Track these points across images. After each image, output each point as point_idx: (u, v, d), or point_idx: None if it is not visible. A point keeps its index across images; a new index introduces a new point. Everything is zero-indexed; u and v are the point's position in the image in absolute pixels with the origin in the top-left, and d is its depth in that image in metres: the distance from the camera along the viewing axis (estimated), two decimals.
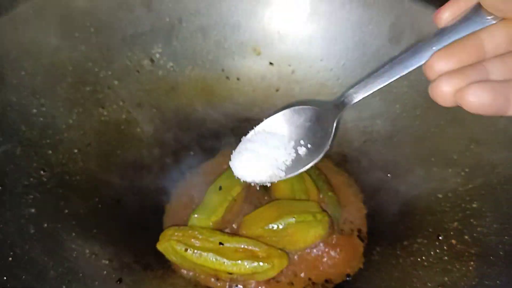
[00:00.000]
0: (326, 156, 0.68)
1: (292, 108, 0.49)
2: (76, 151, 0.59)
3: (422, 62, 0.36)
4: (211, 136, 0.70)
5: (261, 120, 0.72)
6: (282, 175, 0.47)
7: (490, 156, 0.57)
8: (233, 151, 0.50)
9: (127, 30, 0.67)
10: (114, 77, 0.66)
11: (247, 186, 0.61)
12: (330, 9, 0.70)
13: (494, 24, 0.34)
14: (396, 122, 0.67)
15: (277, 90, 0.74)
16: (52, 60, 0.60)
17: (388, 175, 0.64)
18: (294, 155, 0.47)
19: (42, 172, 0.55)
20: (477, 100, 0.31)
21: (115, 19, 0.66)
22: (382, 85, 0.40)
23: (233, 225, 0.58)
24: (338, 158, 0.69)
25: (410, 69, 0.37)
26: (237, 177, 0.48)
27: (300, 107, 0.48)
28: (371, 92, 0.41)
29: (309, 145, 0.47)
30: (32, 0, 0.57)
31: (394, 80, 0.39)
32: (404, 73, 0.38)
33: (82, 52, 0.63)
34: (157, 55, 0.69)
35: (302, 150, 0.47)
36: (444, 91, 0.33)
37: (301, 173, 0.61)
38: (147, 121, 0.68)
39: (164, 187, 0.63)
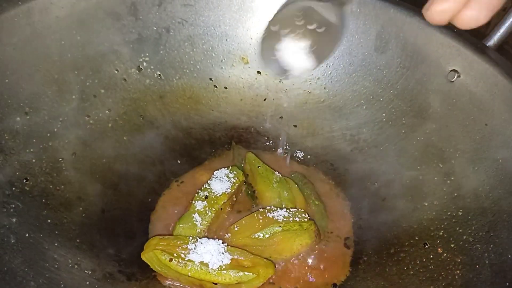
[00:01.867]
0: (313, 164, 0.69)
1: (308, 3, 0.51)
2: (60, 160, 0.59)
3: None
4: (198, 144, 0.70)
5: (249, 128, 0.73)
6: (309, 66, 0.51)
7: (475, 164, 0.57)
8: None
9: (114, 39, 0.67)
10: (100, 86, 0.66)
11: (234, 194, 0.60)
12: None
13: None
14: (382, 131, 0.67)
15: (264, 99, 0.74)
16: (37, 68, 0.59)
17: (375, 183, 0.64)
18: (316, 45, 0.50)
19: (25, 181, 0.54)
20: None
21: (102, 27, 0.65)
22: None
23: (219, 234, 0.58)
24: (325, 166, 0.69)
25: None
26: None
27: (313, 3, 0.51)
28: None
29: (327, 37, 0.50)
30: (18, 7, 0.57)
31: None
32: None
33: (68, 60, 0.62)
34: (144, 64, 0.69)
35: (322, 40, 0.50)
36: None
37: (288, 181, 0.62)
38: (134, 130, 0.67)
39: (149, 196, 0.63)
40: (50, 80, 0.61)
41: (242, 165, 0.66)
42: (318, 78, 0.72)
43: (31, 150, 0.57)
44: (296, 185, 0.63)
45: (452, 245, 0.53)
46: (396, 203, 0.61)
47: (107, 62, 0.66)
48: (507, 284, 0.45)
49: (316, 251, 0.57)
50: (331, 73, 0.71)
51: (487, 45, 0.61)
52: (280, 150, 0.70)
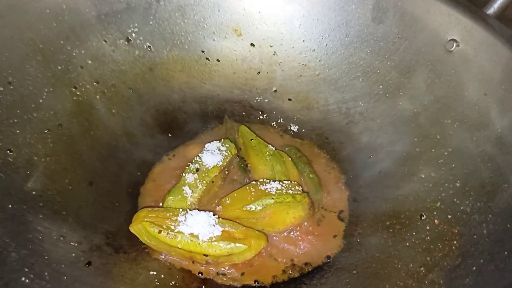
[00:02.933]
0: (308, 137, 0.68)
1: None
2: (46, 131, 0.57)
3: None
4: (189, 118, 0.68)
5: (242, 102, 0.71)
6: None
7: (474, 135, 0.55)
8: None
9: (101, 8, 0.64)
10: (88, 56, 0.63)
11: (225, 167, 0.59)
12: None
13: None
14: (378, 104, 0.65)
15: (258, 73, 0.72)
16: (21, 36, 0.57)
17: (371, 156, 0.63)
18: None
19: (8, 152, 0.52)
20: None
21: None
22: None
23: (211, 207, 0.56)
24: (320, 140, 0.67)
25: None
26: None
27: None
28: None
29: None
30: None
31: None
32: None
33: (53, 29, 0.60)
34: (134, 35, 0.67)
35: None
36: None
37: (282, 154, 0.60)
38: (123, 102, 0.65)
39: (139, 169, 0.61)
40: (35, 50, 0.59)
41: (235, 138, 0.64)
42: (313, 50, 0.70)
43: (15, 120, 0.54)
44: (290, 159, 0.61)
45: (449, 216, 0.52)
46: (392, 176, 0.59)
47: (94, 32, 0.64)
48: (506, 253, 0.44)
49: (310, 224, 0.55)
50: (326, 45, 0.69)
51: (487, 13, 0.59)
52: None
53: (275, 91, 0.71)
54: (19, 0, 0.57)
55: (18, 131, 0.54)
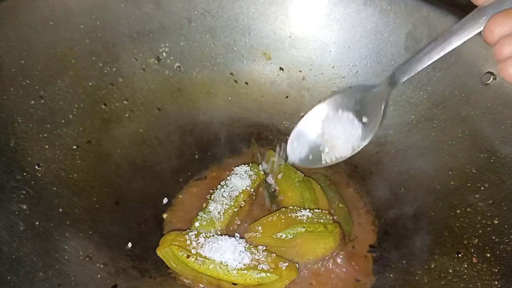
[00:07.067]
0: (336, 165, 0.66)
1: (342, 93, 0.53)
2: (74, 147, 0.56)
3: (463, 40, 0.39)
4: (216, 141, 0.67)
5: (269, 126, 0.70)
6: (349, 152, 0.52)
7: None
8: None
9: (134, 27, 0.64)
10: (118, 74, 0.63)
11: (255, 192, 0.57)
12: (344, 15, 0.68)
13: None
14: (410, 134, 0.64)
15: (286, 97, 0.71)
16: (54, 51, 0.57)
17: (402, 188, 0.61)
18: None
19: (37, 167, 0.51)
20: None
21: (123, 14, 0.63)
22: (428, 63, 0.43)
23: (239, 233, 0.54)
24: (349, 169, 0.65)
25: (454, 46, 0.40)
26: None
27: (349, 90, 0.50)
28: (418, 70, 0.44)
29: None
30: None
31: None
32: (447, 51, 0.40)
33: (86, 45, 0.60)
34: (164, 54, 0.67)
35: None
36: None
37: (311, 181, 0.59)
38: (150, 122, 0.65)
39: (167, 190, 0.60)
40: (67, 65, 0.59)
41: (263, 163, 0.62)
42: (343, 77, 0.69)
43: (45, 135, 0.54)
44: (319, 186, 0.60)
45: (488, 255, 0.50)
46: (425, 209, 0.57)
47: (126, 50, 0.64)
48: None
49: (340, 256, 0.53)
50: (357, 72, 0.68)
51: None
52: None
53: (303, 116, 0.70)
54: (54, 15, 0.57)
55: (47, 146, 0.54)
